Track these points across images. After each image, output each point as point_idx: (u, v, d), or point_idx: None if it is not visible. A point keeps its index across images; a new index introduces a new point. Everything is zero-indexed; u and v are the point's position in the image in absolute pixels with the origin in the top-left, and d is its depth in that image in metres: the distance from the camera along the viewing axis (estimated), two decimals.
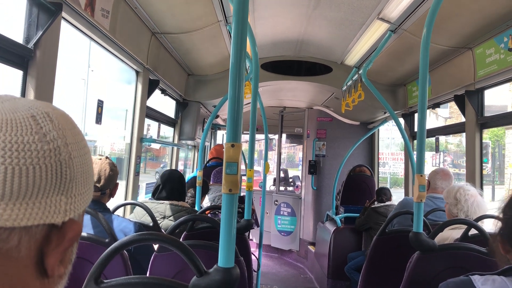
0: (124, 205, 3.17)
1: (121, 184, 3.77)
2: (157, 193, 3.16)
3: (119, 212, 3.19)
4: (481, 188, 3.64)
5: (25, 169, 0.49)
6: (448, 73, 4.12)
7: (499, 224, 1.25)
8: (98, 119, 3.19)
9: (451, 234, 2.58)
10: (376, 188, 5.81)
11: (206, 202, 4.19)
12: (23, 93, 2.12)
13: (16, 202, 0.49)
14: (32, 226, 0.51)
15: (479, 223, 2.42)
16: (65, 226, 0.55)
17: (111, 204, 2.52)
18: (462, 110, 3.83)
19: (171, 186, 3.15)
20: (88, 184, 0.60)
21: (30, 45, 2.11)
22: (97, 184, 2.25)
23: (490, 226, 2.55)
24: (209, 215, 3.57)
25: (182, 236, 2.67)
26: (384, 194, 4.94)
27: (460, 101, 3.85)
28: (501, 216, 1.24)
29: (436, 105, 4.56)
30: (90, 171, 0.61)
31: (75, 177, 0.56)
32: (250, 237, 7.81)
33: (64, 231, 0.55)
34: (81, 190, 0.57)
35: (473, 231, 2.38)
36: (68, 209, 0.55)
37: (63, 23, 2.34)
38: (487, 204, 2.79)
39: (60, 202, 0.53)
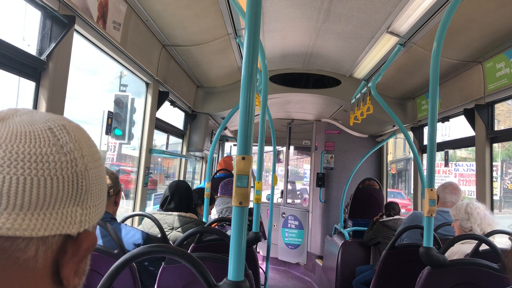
0: (132, 216, 3.18)
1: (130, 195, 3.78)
2: (165, 204, 3.16)
3: (127, 223, 3.19)
4: (492, 200, 3.61)
5: (43, 180, 0.50)
6: (458, 87, 4.11)
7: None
8: (108, 130, 3.21)
9: (461, 248, 2.55)
10: (385, 202, 5.76)
11: (214, 214, 4.18)
12: (35, 104, 2.15)
13: (34, 212, 0.49)
14: (49, 237, 0.51)
15: (490, 238, 2.39)
16: (80, 237, 0.55)
17: (118, 216, 2.53)
18: (472, 124, 3.80)
19: (179, 197, 3.15)
20: (102, 195, 0.61)
21: (43, 57, 2.14)
22: None
23: (499, 240, 2.53)
24: (216, 227, 3.56)
25: (190, 248, 2.66)
26: (392, 208, 4.90)
27: (470, 115, 3.83)
28: None
29: (445, 119, 4.54)
30: (104, 183, 0.62)
31: (90, 189, 0.56)
32: (257, 250, 7.77)
33: (80, 242, 0.55)
34: (95, 202, 0.58)
35: (483, 246, 2.35)
36: (84, 220, 0.55)
37: (75, 36, 2.38)
38: (496, 219, 2.78)
39: (76, 213, 0.54)
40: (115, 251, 2.02)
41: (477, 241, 2.42)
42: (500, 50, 3.35)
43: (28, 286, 0.50)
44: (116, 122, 3.71)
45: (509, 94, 3.39)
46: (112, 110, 3.36)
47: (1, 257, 0.49)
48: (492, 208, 3.61)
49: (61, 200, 0.52)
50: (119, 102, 3.79)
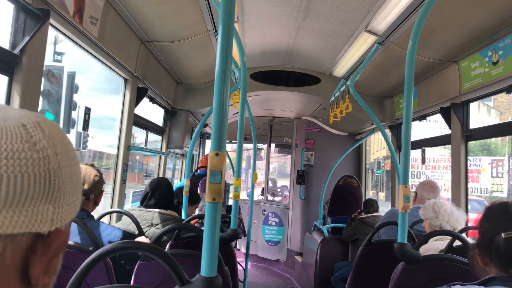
0: (109, 213, 3.15)
1: (108, 192, 3.74)
2: (146, 200, 3.14)
3: (105, 220, 3.16)
4: (466, 196, 3.69)
5: (13, 176, 0.49)
6: (435, 85, 4.18)
7: (476, 236, 1.27)
8: (85, 126, 3.17)
9: (435, 245, 2.60)
10: (364, 199, 5.83)
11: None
12: (8, 99, 2.11)
13: (2, 209, 0.48)
14: (18, 234, 0.50)
15: (463, 235, 2.45)
16: (51, 236, 0.55)
17: (95, 212, 2.50)
18: (448, 122, 3.87)
19: (160, 194, 3.13)
20: (76, 194, 0.60)
21: (16, 51, 2.10)
22: None
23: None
24: (196, 224, 3.55)
25: (168, 245, 2.65)
26: (371, 205, 4.95)
27: (446, 114, 3.89)
28: (478, 228, 1.27)
29: (422, 117, 4.61)
30: (79, 181, 0.61)
31: (63, 187, 0.55)
32: (238, 247, 7.77)
33: (50, 240, 0.55)
34: (69, 200, 0.57)
35: (457, 242, 2.40)
36: (55, 219, 0.54)
37: (50, 30, 2.34)
38: (463, 214, 2.88)
39: (47, 211, 0.53)
40: (90, 248, 2.00)
41: (450, 237, 2.47)
42: (475, 50, 3.42)
43: None
44: (47, 102, 3.20)
45: (483, 93, 3.46)
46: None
47: None
48: (466, 205, 3.69)
49: (32, 197, 0.51)
50: (52, 76, 3.22)
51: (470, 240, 2.34)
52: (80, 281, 1.22)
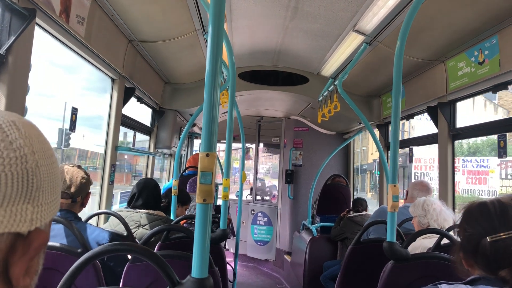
0: (97, 214, 3.12)
1: (95, 193, 3.71)
2: (133, 201, 3.12)
3: (93, 221, 3.13)
4: (453, 195, 3.73)
5: None
6: (422, 85, 4.21)
7: (460, 238, 1.28)
8: (72, 127, 3.13)
9: (423, 243, 2.63)
10: (351, 198, 5.86)
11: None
12: None
13: None
14: None
15: (451, 233, 2.47)
16: (31, 236, 0.54)
17: (83, 214, 2.47)
18: (435, 121, 3.91)
19: (147, 194, 3.12)
20: (56, 193, 0.59)
21: (2, 51, 2.06)
22: (67, 191, 2.20)
23: None
24: (184, 225, 3.53)
25: (157, 246, 2.64)
26: (360, 204, 4.98)
27: (433, 113, 3.93)
28: (461, 231, 1.27)
29: (409, 116, 4.65)
30: (58, 180, 0.60)
31: (42, 186, 0.54)
32: (227, 247, 7.76)
33: (30, 240, 0.54)
34: (48, 199, 0.56)
35: (445, 240, 2.42)
36: (35, 218, 0.53)
37: (36, 29, 2.30)
38: (452, 213, 2.91)
39: (26, 211, 0.52)
40: (79, 250, 1.98)
41: (438, 236, 2.49)
42: (461, 50, 3.46)
43: None
44: None
45: (470, 92, 3.50)
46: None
47: None
48: (453, 204, 3.73)
49: (10, 197, 0.50)
50: None
51: (457, 238, 2.36)
52: (70, 284, 1.21)
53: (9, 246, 0.52)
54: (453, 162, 3.80)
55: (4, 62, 2.08)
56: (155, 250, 2.54)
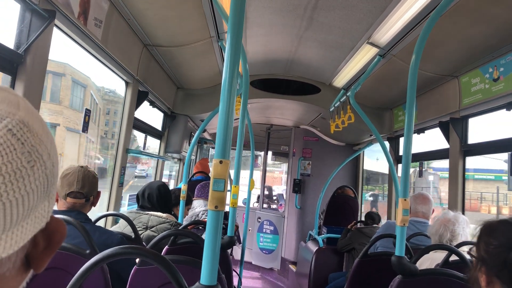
0: (105, 216, 3.13)
1: (104, 194, 3.72)
2: (142, 201, 3.14)
3: (101, 223, 3.15)
4: (463, 213, 3.69)
5: (20, 198, 0.46)
6: (434, 99, 4.19)
7: (479, 254, 1.21)
8: (85, 128, 3.16)
9: (433, 255, 2.60)
10: (359, 210, 5.82)
11: (190, 216, 4.15)
12: None
13: (9, 232, 0.46)
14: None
15: (460, 249, 2.44)
16: (49, 227, 0.54)
17: (92, 214, 2.49)
18: (447, 136, 3.89)
19: (156, 197, 3.13)
20: (57, 177, 0.57)
21: (21, 51, 2.10)
22: (81, 191, 2.20)
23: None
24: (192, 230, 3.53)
25: (164, 250, 2.64)
26: (372, 218, 4.90)
27: (444, 128, 3.91)
28: (482, 245, 1.20)
29: (421, 131, 4.62)
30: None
31: (55, 181, 0.54)
32: (232, 254, 7.74)
33: (50, 231, 0.54)
34: (55, 188, 0.56)
35: (454, 257, 2.39)
36: (50, 210, 0.54)
37: (55, 30, 2.34)
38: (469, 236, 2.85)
39: (45, 207, 0.52)
40: (87, 251, 1.99)
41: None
42: (475, 66, 3.44)
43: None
44: None
45: (483, 109, 3.48)
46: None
47: None
48: None
49: (36, 205, 0.49)
50: None
51: (467, 256, 2.33)
52: (79, 286, 1.22)
53: (32, 242, 0.52)
54: (464, 179, 3.76)
55: (22, 61, 2.11)
56: (162, 254, 2.54)
